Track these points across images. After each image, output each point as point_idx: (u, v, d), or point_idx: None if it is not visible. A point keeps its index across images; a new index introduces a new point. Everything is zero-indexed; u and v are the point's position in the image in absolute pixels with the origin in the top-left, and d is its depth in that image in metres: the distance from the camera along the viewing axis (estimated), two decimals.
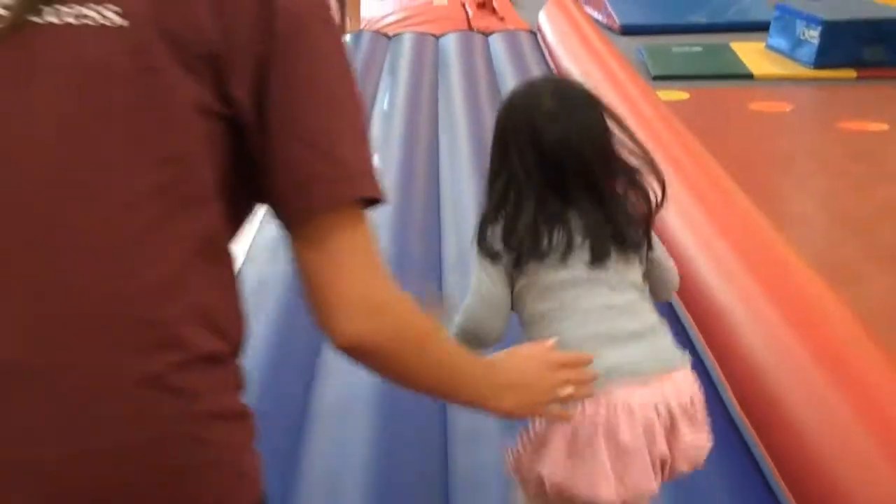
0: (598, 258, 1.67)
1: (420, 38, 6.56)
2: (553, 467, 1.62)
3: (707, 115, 5.99)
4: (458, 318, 1.71)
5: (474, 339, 1.68)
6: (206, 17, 1.08)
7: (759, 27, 8.11)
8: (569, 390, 1.48)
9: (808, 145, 5.57)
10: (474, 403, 1.39)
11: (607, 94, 4.51)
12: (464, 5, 9.02)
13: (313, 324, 1.12)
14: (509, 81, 5.37)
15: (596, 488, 1.60)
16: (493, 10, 8.70)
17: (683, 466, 1.68)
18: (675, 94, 6.39)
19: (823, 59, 7.01)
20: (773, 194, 4.71)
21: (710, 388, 2.47)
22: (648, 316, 1.72)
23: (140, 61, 1.06)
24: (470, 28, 7.74)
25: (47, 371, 1.01)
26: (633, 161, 1.73)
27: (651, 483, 1.61)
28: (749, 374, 2.34)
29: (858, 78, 6.90)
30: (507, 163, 1.71)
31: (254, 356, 2.55)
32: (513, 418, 1.46)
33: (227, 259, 1.14)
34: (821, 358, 2.22)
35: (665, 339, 1.71)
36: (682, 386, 1.67)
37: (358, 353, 1.16)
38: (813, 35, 7.13)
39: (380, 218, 3.27)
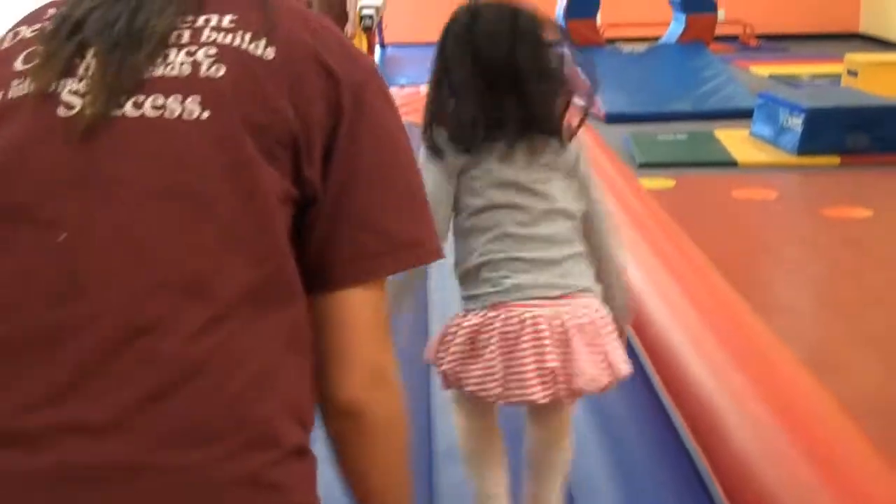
0: (531, 154, 1.98)
1: (409, 128, 6.61)
2: (452, 363, 1.92)
3: (693, 203, 6.04)
4: None
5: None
6: (284, 99, 1.08)
7: (743, 114, 8.22)
8: None
9: (793, 233, 5.61)
10: None
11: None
12: None
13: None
14: None
15: (483, 386, 1.88)
16: None
17: (579, 383, 1.87)
18: (661, 181, 6.44)
19: (807, 146, 7.09)
20: (759, 283, 4.73)
21: (699, 483, 2.47)
22: (567, 247, 1.96)
23: (227, 154, 1.05)
24: None
25: (148, 472, 1.00)
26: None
27: (531, 390, 1.84)
28: (737, 469, 2.34)
29: (842, 165, 6.97)
30: (450, 72, 2.03)
31: None
32: None
33: (309, 347, 1.13)
34: (810, 454, 2.22)
35: (576, 268, 1.95)
36: (581, 310, 1.90)
37: (353, 418, 1.16)
38: (796, 122, 7.22)
39: None
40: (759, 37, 13.75)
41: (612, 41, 11.22)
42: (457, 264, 2.02)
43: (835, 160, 7.02)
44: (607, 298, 2.02)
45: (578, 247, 1.99)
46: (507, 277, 1.90)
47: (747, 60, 12.06)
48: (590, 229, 2.04)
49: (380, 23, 12.33)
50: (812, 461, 2.21)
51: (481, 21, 2.03)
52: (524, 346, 1.86)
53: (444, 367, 1.96)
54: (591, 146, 5.20)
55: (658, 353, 3.02)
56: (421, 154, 1.96)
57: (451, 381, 1.97)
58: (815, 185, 6.66)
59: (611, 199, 4.19)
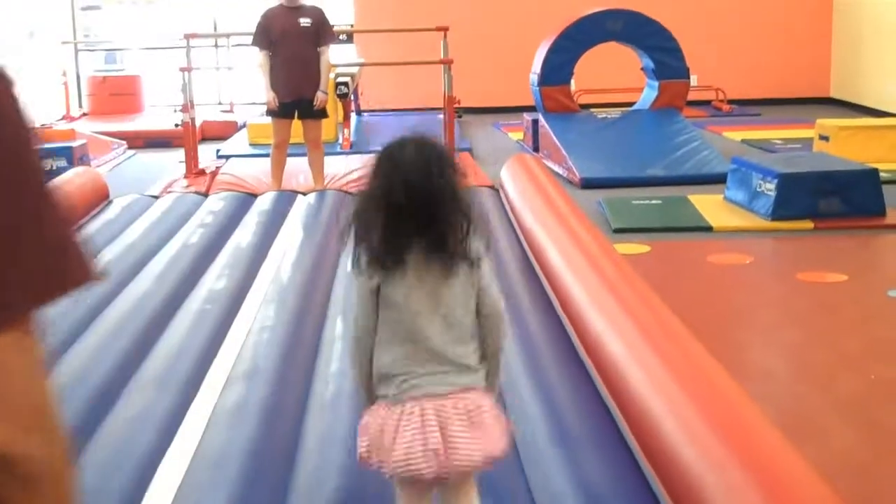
0: (436, 277, 2.27)
1: None
2: (369, 447, 2.32)
3: (668, 268, 6.06)
4: (350, 335, 2.39)
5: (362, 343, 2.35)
6: None
7: (717, 179, 8.28)
8: None
9: (768, 297, 5.63)
10: None
11: (568, 249, 4.59)
12: None
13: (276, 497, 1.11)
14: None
15: (389, 461, 2.27)
16: None
17: (456, 459, 2.24)
18: (636, 247, 6.47)
19: (780, 211, 7.14)
20: (734, 347, 4.74)
21: None
22: (461, 353, 2.30)
23: None
24: None
25: None
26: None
27: (420, 464, 2.23)
28: None
29: (815, 229, 7.02)
30: (374, 199, 2.28)
31: None
32: None
33: None
34: None
35: (463, 371, 2.30)
36: (462, 403, 2.27)
37: (5, 466, 1.11)
38: (769, 187, 7.27)
39: (343, 384, 3.27)
40: (732, 102, 13.89)
41: (586, 107, 11.32)
42: (373, 367, 2.36)
43: (808, 224, 7.07)
44: (489, 379, 2.39)
45: (471, 350, 2.34)
46: (405, 381, 2.27)
47: (720, 125, 12.19)
48: (486, 330, 2.36)
49: (355, 90, 12.41)
50: None
51: (406, 155, 2.31)
52: (414, 432, 2.25)
53: (361, 450, 2.36)
54: (564, 211, 5.25)
55: (636, 421, 3.01)
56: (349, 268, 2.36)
57: (367, 459, 2.36)
58: (789, 250, 6.70)
59: (585, 264, 4.23)
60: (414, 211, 2.23)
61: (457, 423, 2.27)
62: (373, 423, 2.31)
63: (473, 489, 2.40)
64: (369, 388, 2.37)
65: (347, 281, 4.62)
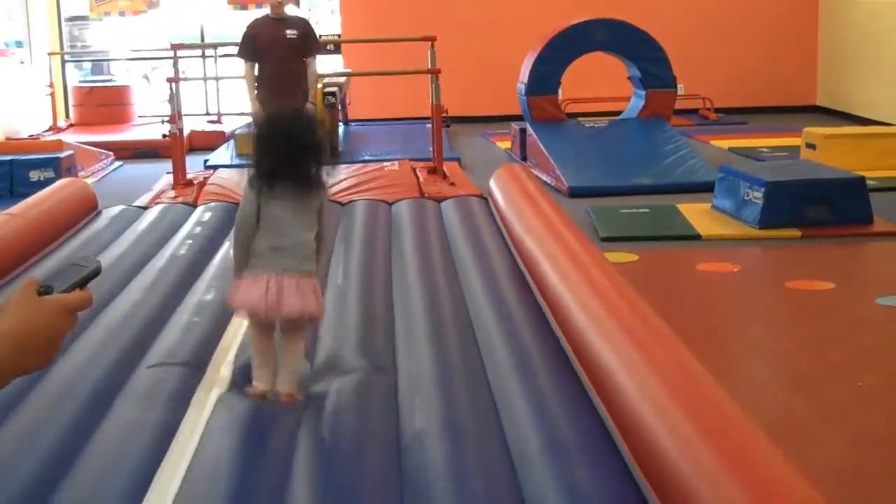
0: (296, 202, 3.47)
1: (373, 204, 6.64)
2: (235, 294, 3.46)
3: (656, 277, 6.08)
4: (236, 223, 3.56)
5: (242, 231, 3.51)
6: None
7: (705, 188, 8.31)
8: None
9: (756, 306, 5.64)
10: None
11: (557, 258, 4.59)
12: (414, 171, 9.17)
13: None
14: (462, 246, 5.43)
15: (243, 305, 3.45)
16: (444, 176, 8.86)
17: (282, 309, 3.39)
18: (624, 255, 6.48)
19: (768, 219, 7.17)
20: (724, 356, 4.75)
21: None
22: (304, 247, 3.49)
23: None
24: (421, 194, 7.85)
25: None
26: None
27: (259, 309, 3.40)
28: None
29: (803, 237, 7.04)
30: (262, 146, 3.55)
31: None
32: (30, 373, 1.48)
33: None
34: None
35: (304, 259, 3.48)
36: (294, 278, 3.41)
37: None
38: (757, 196, 7.30)
39: (338, 396, 3.27)
40: (719, 111, 13.93)
41: (573, 116, 11.34)
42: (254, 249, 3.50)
43: (796, 233, 7.09)
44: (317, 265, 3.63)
45: (311, 249, 3.53)
46: (264, 260, 3.44)
47: (707, 134, 12.22)
48: (319, 240, 3.57)
49: (343, 100, 12.42)
50: None
51: (282, 120, 3.76)
52: (259, 286, 3.39)
53: (236, 301, 3.49)
54: (553, 220, 5.26)
55: (628, 429, 3.02)
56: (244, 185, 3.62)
57: (238, 307, 3.54)
58: (777, 258, 6.72)
59: (575, 273, 4.23)
60: (286, 154, 3.49)
61: (287, 288, 3.40)
62: (242, 283, 3.45)
63: (301, 335, 3.59)
64: (241, 264, 3.50)
65: (337, 292, 4.63)
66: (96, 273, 1.50)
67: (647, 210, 7.90)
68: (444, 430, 3.10)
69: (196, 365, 3.79)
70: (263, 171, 3.48)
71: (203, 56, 15.25)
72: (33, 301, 1.42)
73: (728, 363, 4.65)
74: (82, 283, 1.48)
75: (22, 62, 14.15)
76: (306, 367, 3.67)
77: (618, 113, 11.28)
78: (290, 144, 3.48)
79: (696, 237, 7.12)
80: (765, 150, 10.95)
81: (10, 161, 9.63)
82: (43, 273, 4.97)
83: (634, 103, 10.96)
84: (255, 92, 7.66)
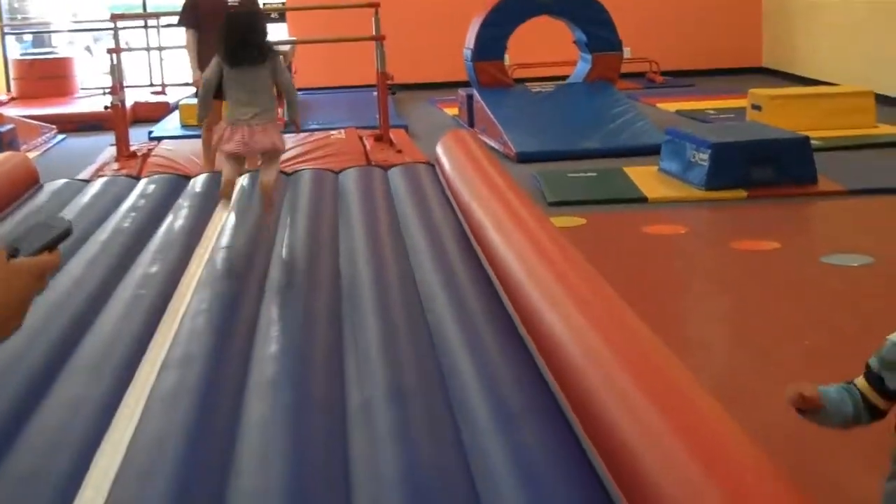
0: (252, 69, 5.13)
1: (319, 174, 6.59)
2: (221, 144, 5.18)
3: (604, 240, 6.09)
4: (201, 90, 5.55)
5: (206, 90, 5.40)
6: None
7: (652, 151, 8.33)
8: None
9: (702, 267, 5.68)
10: None
11: (504, 223, 4.58)
12: (361, 139, 9.12)
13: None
14: (409, 214, 5.40)
15: (225, 147, 5.16)
16: (391, 144, 8.82)
17: (258, 146, 5.14)
18: (572, 219, 6.49)
19: (714, 180, 7.20)
20: (671, 318, 4.77)
21: None
22: (265, 102, 5.14)
23: None
24: (368, 162, 7.81)
25: None
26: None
27: (239, 147, 5.11)
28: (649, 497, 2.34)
29: (749, 198, 7.09)
30: (222, 30, 5.22)
31: None
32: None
33: None
34: (724, 489, 2.23)
35: (266, 111, 5.13)
36: (261, 124, 5.10)
37: None
38: (703, 158, 7.33)
39: (280, 366, 3.25)
40: (665, 73, 13.97)
41: (520, 81, 11.32)
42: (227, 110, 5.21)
43: (741, 194, 7.13)
44: (291, 114, 5.43)
45: (270, 104, 5.18)
46: (236, 117, 5.08)
47: (654, 97, 12.26)
48: (281, 90, 5.36)
49: (289, 68, 12.30)
50: (725, 493, 2.21)
51: (239, 12, 6.11)
52: (238, 135, 5.06)
53: (222, 146, 5.16)
54: (500, 186, 5.24)
55: (573, 393, 3.02)
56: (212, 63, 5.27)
57: (224, 149, 5.17)
58: (723, 219, 6.76)
59: (522, 239, 4.23)
60: (236, 31, 5.17)
61: (257, 132, 5.10)
62: (224, 134, 5.13)
63: (275, 163, 5.26)
64: (204, 113, 5.66)
65: (283, 263, 4.60)
66: (66, 234, 1.44)
67: (595, 174, 7.91)
68: (389, 397, 3.09)
69: (141, 337, 3.75)
70: (227, 49, 5.13)
71: (146, 26, 15.06)
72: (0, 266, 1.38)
73: (674, 324, 4.67)
74: (51, 245, 1.42)
75: None
76: (280, 183, 5.68)
77: (564, 77, 11.27)
78: (242, 28, 5.20)
79: (643, 200, 7.14)
80: (711, 112, 11.00)
81: None
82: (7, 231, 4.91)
83: (581, 67, 10.95)
84: (198, 60, 7.57)
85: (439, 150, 6.70)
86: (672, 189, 7.36)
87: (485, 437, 2.87)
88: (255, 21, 5.36)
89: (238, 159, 5.19)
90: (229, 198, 5.25)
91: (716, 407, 2.64)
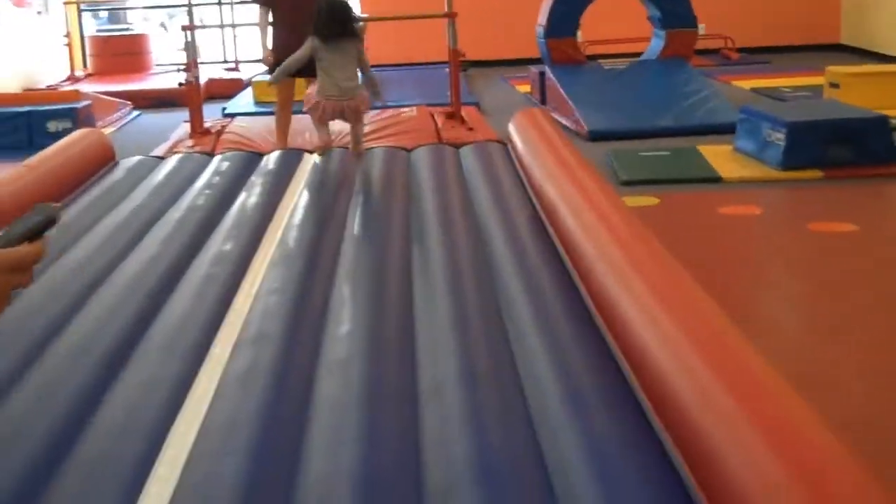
0: (341, 49, 6.19)
1: (391, 152, 6.59)
2: (318, 106, 6.30)
3: (677, 221, 6.03)
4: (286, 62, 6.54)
5: (294, 64, 6.44)
6: None
7: (726, 129, 8.22)
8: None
9: (778, 248, 5.59)
10: None
11: (577, 203, 4.55)
12: (432, 116, 9.10)
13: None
14: (481, 193, 5.39)
15: (318, 109, 6.30)
16: (463, 121, 8.79)
17: (347, 110, 6.25)
18: (645, 199, 6.43)
19: (790, 160, 7.09)
20: (745, 300, 4.71)
21: None
22: (352, 74, 6.24)
23: None
24: (440, 140, 7.80)
25: None
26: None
27: (330, 108, 6.25)
28: (730, 498, 2.31)
29: (825, 178, 6.96)
30: (318, 13, 6.21)
31: (222, 500, 2.52)
32: None
33: None
34: (800, 478, 2.20)
35: (352, 80, 6.25)
36: (352, 94, 6.23)
37: None
38: (779, 137, 7.21)
39: (352, 347, 3.26)
40: (740, 50, 13.78)
41: (593, 58, 11.23)
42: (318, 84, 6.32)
43: (818, 174, 7.01)
44: (373, 89, 6.43)
45: (356, 80, 6.26)
46: (326, 90, 6.22)
47: (729, 75, 12.10)
48: (364, 71, 6.33)
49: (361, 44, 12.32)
50: (801, 483, 2.18)
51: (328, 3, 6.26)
52: (330, 104, 6.21)
53: (318, 116, 6.31)
54: (573, 165, 5.20)
55: (647, 378, 2.99)
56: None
57: (317, 116, 6.33)
58: (799, 200, 6.65)
59: (594, 219, 4.19)
60: (334, 17, 6.12)
61: (346, 98, 6.17)
62: (320, 100, 6.21)
63: (361, 120, 6.36)
64: (277, 79, 6.86)
65: (355, 242, 4.61)
66: (50, 222, 1.34)
67: (668, 153, 7.83)
68: (461, 380, 3.08)
69: (214, 316, 3.78)
70: (323, 25, 6.10)
71: (220, 3, 15.16)
72: None
73: (749, 308, 4.61)
74: (33, 235, 1.32)
75: (39, 12, 14.10)
76: (364, 142, 6.60)
77: (638, 54, 11.15)
78: (334, 14, 6.14)
79: (718, 179, 7.05)
80: (787, 89, 10.82)
81: (28, 112, 9.63)
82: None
83: (655, 44, 10.83)
84: (270, 38, 7.62)
85: (511, 128, 6.67)
86: (747, 168, 7.26)
87: (556, 423, 2.86)
88: (347, 8, 6.30)
89: (325, 120, 6.30)
90: (325, 152, 6.38)
91: (794, 396, 2.60)
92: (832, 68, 9.86)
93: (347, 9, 6.29)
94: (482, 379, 3.12)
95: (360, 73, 6.31)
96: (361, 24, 12.17)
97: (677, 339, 3.01)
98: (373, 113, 9.08)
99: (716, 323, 3.12)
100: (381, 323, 3.62)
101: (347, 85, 6.16)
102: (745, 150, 7.63)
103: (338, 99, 6.15)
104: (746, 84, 11.36)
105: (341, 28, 6.11)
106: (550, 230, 4.70)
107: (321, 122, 6.29)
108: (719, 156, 7.62)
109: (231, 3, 14.99)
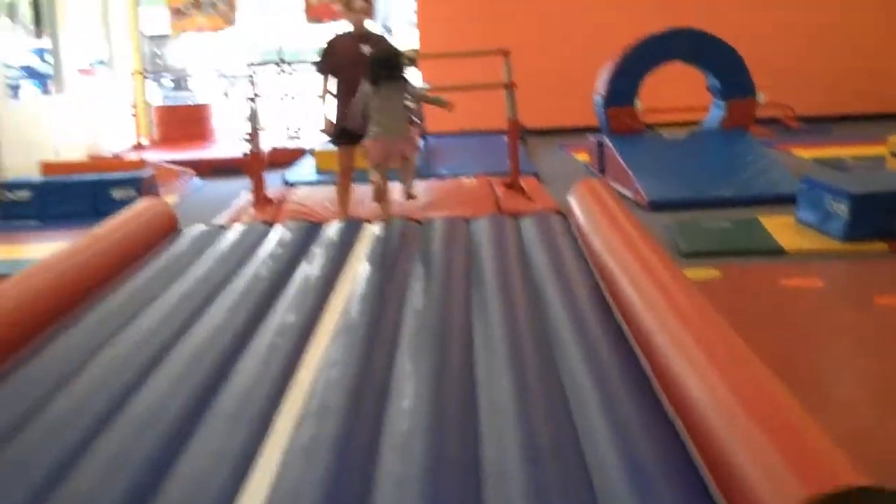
0: (392, 93, 6.70)
1: (450, 222, 6.62)
2: (369, 148, 6.76)
3: (739, 294, 5.98)
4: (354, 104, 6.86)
5: (359, 103, 6.81)
6: None
7: (787, 200, 8.18)
8: None
9: (843, 323, 5.52)
10: None
11: (636, 275, 4.54)
12: (491, 185, 9.14)
13: None
14: (541, 264, 5.39)
15: (373, 154, 6.76)
16: (522, 191, 8.82)
17: (397, 151, 6.75)
18: (706, 271, 6.40)
19: (853, 232, 7.04)
20: (808, 376, 4.65)
21: None
22: (400, 117, 6.74)
23: None
24: (499, 209, 7.82)
25: None
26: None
27: (381, 152, 6.72)
28: None
29: (890, 251, 6.89)
30: (371, 61, 6.81)
31: None
32: None
33: None
34: None
35: (401, 123, 6.75)
36: (402, 137, 6.74)
37: None
38: (841, 208, 7.17)
39: (414, 421, 3.26)
40: (801, 119, 13.73)
41: (651, 126, 11.25)
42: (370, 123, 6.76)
43: (883, 246, 6.94)
44: (435, 101, 7.11)
45: (406, 119, 6.82)
46: (380, 129, 6.66)
47: (789, 144, 12.05)
48: (416, 97, 7.06)
49: (419, 113, 12.44)
50: None
51: (381, 46, 7.21)
52: (381, 144, 6.67)
53: (370, 157, 6.77)
54: (633, 237, 5.20)
55: (710, 453, 2.97)
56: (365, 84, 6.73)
57: (371, 159, 6.80)
58: (863, 273, 6.58)
59: (655, 292, 4.18)
60: (385, 63, 6.65)
61: (396, 140, 6.64)
62: (369, 143, 6.68)
63: (412, 165, 6.95)
64: (354, 120, 6.87)
65: (416, 314, 4.62)
66: None
67: (729, 224, 7.79)
68: (524, 457, 3.07)
69: (278, 387, 3.80)
70: (372, 70, 6.61)
71: (281, 72, 15.38)
72: None
73: (813, 383, 4.55)
74: None
75: (105, 81, 14.40)
76: (417, 189, 7.31)
77: (697, 123, 11.16)
78: (384, 54, 6.76)
79: (780, 251, 7.01)
80: (849, 159, 10.76)
81: (94, 181, 9.81)
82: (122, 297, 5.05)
83: (714, 113, 10.83)
84: (330, 106, 7.73)
85: (571, 199, 6.68)
86: (809, 240, 7.21)
87: (618, 496, 2.84)
88: (398, 55, 6.86)
89: (382, 168, 6.77)
90: (384, 199, 6.93)
91: (856, 470, 2.56)
92: (894, 138, 9.79)
93: (393, 52, 6.88)
94: (545, 455, 3.11)
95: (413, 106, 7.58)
96: (413, 54, 12.31)
97: (741, 417, 2.98)
98: (432, 181, 9.15)
99: (782, 400, 3.09)
100: (443, 397, 3.62)
101: (394, 127, 6.67)
102: (807, 221, 7.58)
103: (385, 141, 6.66)
104: (807, 154, 11.31)
105: (388, 71, 6.61)
106: (611, 302, 4.69)
107: (371, 164, 6.78)
108: (781, 227, 7.57)
109: (293, 73, 15.21)
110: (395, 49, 6.96)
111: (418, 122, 7.70)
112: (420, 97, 7.14)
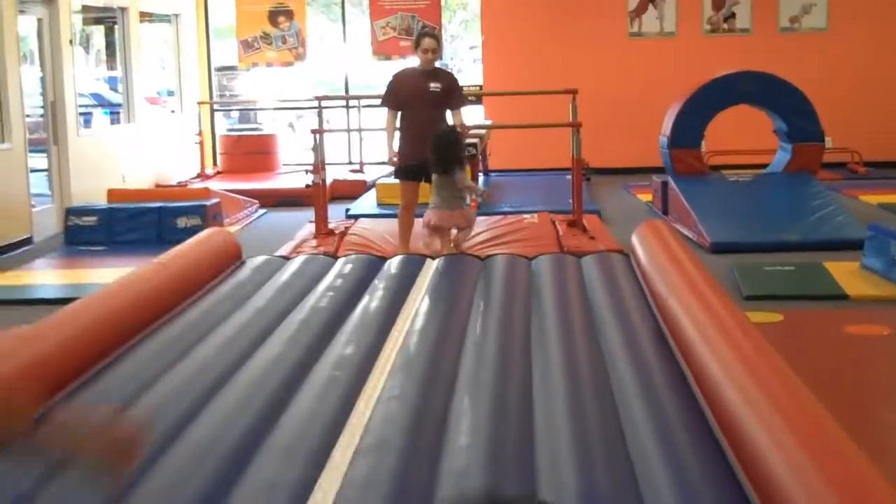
0: (449, 176, 7.60)
1: (512, 259, 6.62)
2: (429, 221, 7.69)
3: (802, 339, 5.91)
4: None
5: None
6: None
7: (853, 246, 8.08)
8: None
9: None
10: None
11: (698, 318, 4.50)
12: (554, 224, 9.13)
13: None
14: (602, 305, 5.36)
15: (431, 222, 7.66)
16: (584, 230, 8.80)
17: (453, 222, 7.70)
18: (769, 315, 6.32)
19: None
20: (875, 426, 4.57)
21: None
22: (457, 193, 7.66)
23: None
24: (561, 248, 7.81)
25: None
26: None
27: (440, 222, 7.64)
28: None
29: None
30: (431, 149, 7.61)
31: None
32: None
33: None
34: None
35: (457, 199, 7.70)
36: (458, 211, 7.68)
37: None
38: None
39: (471, 458, 3.24)
40: (868, 164, 13.57)
41: (716, 169, 11.18)
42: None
43: None
44: (478, 193, 8.56)
45: (459, 197, 7.73)
46: (439, 204, 7.61)
47: (856, 189, 11.91)
48: (463, 189, 7.85)
49: (483, 150, 12.47)
50: None
51: (440, 133, 7.66)
52: (438, 214, 7.62)
53: (429, 223, 7.70)
54: (696, 280, 5.16)
55: (769, 496, 2.92)
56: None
57: (428, 226, 7.71)
58: None
59: (717, 336, 4.14)
60: (440, 154, 7.46)
61: (454, 213, 7.61)
62: (430, 213, 7.61)
63: (467, 233, 7.92)
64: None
65: (476, 350, 4.61)
66: None
67: (793, 268, 7.71)
68: (581, 500, 3.04)
69: (335, 420, 3.80)
70: (434, 162, 7.43)
71: (347, 106, 15.51)
72: None
73: (880, 434, 4.47)
74: None
75: (173, 111, 14.60)
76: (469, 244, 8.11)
77: (763, 166, 11.08)
78: (440, 152, 7.42)
79: (844, 297, 6.91)
80: None
81: (160, 208, 9.93)
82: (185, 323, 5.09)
83: (780, 157, 10.75)
84: (394, 141, 7.81)
85: (634, 240, 6.65)
86: (875, 287, 7.11)
87: None
88: (457, 142, 7.59)
89: (439, 231, 7.61)
90: (433, 249, 7.52)
91: None
92: None
93: (452, 146, 7.54)
94: (602, 497, 3.08)
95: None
96: (484, 131, 12.41)
97: (806, 467, 2.94)
98: (495, 218, 9.16)
99: (846, 450, 3.04)
100: (501, 435, 3.60)
101: (452, 202, 7.59)
102: (873, 267, 7.48)
103: (442, 213, 7.56)
104: (874, 199, 11.17)
105: (447, 164, 7.47)
106: (672, 344, 4.65)
107: (427, 228, 7.67)
108: (846, 273, 7.48)
109: (358, 107, 15.33)
110: (454, 138, 7.59)
111: (479, 198, 8.73)
112: (464, 188, 7.75)
